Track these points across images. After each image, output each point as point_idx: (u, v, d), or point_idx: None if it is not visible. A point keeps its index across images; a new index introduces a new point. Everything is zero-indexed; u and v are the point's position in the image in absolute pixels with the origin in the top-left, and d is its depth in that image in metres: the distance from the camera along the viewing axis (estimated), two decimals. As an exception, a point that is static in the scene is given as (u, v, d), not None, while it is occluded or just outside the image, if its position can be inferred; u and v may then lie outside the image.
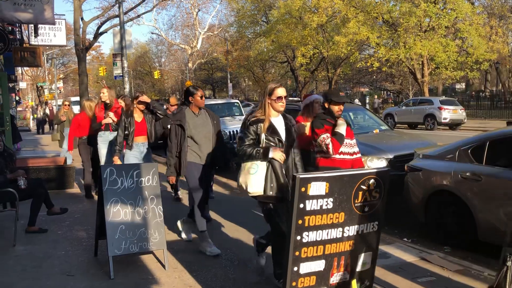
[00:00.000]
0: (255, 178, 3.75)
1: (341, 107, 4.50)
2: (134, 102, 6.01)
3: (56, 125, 11.07)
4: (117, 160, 5.95)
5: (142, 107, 6.03)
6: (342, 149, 4.41)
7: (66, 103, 11.57)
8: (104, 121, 7.12)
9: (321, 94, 5.26)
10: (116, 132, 6.75)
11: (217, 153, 5.04)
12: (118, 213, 4.48)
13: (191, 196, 5.22)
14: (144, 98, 5.99)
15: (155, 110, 6.03)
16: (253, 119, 3.94)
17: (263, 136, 3.85)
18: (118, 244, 4.40)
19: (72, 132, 8.14)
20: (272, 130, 3.89)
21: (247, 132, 3.91)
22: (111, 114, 7.10)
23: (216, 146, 5.02)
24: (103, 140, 7.26)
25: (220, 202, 7.37)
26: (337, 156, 4.41)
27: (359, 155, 4.59)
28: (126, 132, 5.93)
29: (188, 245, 5.28)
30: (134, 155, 6.01)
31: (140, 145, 6.06)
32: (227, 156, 5.15)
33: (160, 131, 6.34)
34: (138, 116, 6.03)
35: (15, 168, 5.96)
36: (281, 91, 3.92)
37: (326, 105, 4.54)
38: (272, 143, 3.85)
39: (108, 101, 7.25)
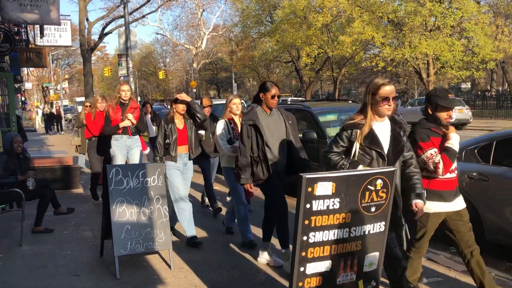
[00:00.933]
0: None
1: (450, 113, 3.54)
2: (174, 106, 5.22)
3: (77, 129, 10.25)
4: None
5: (182, 109, 5.19)
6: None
7: (88, 104, 10.61)
8: (123, 124, 6.32)
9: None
10: (134, 137, 6.46)
11: (295, 158, 4.37)
12: (124, 213, 4.49)
13: (271, 210, 4.53)
14: (183, 96, 5.21)
15: (195, 112, 5.18)
16: (349, 121, 3.22)
17: (356, 146, 3.16)
18: (124, 244, 4.40)
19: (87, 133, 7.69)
20: (371, 139, 3.14)
21: (338, 137, 3.25)
22: (130, 116, 6.29)
23: (293, 150, 4.37)
24: (119, 145, 6.45)
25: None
26: (447, 175, 3.54)
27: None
28: (167, 141, 5.14)
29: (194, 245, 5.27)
30: (177, 167, 5.20)
31: (183, 156, 5.24)
32: (307, 163, 4.42)
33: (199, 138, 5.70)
34: (179, 122, 5.23)
35: (27, 168, 6.02)
36: (389, 90, 3.13)
37: (430, 111, 3.57)
38: (366, 157, 3.15)
39: (126, 100, 6.37)
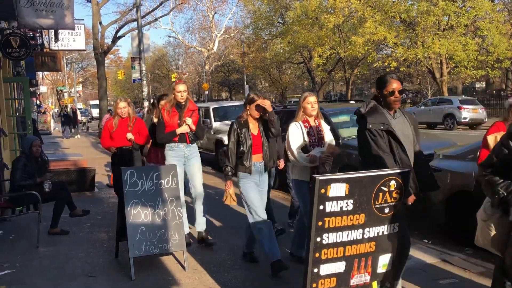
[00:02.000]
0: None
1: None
2: (248, 108, 4.53)
3: None
4: (230, 188, 4.55)
5: (257, 113, 4.52)
6: None
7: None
8: (180, 130, 5.23)
9: None
10: (192, 145, 5.35)
11: (423, 173, 3.48)
12: (139, 214, 4.54)
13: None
14: (266, 103, 4.44)
15: (271, 126, 4.49)
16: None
17: None
18: (139, 245, 4.45)
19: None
20: None
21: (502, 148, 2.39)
22: (189, 120, 5.23)
23: (419, 161, 3.54)
24: (176, 155, 5.30)
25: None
26: None
27: None
28: (241, 149, 4.45)
29: (207, 246, 5.30)
30: (253, 179, 4.53)
31: (258, 165, 4.56)
32: (435, 182, 3.59)
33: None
34: (253, 127, 4.55)
35: (46, 171, 6.14)
36: None
37: None
38: None
39: (183, 102, 5.29)
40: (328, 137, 4.42)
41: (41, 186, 5.74)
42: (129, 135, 6.32)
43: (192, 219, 5.56)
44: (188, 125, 5.22)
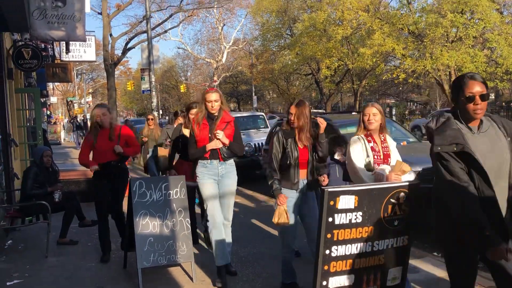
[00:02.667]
0: None
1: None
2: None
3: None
4: (284, 203, 3.93)
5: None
6: None
7: (151, 117, 9.48)
8: (211, 146, 4.49)
9: None
10: (226, 163, 4.59)
11: None
12: (147, 225, 4.55)
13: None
14: (323, 123, 4.08)
15: (319, 146, 4.09)
16: None
17: None
18: (147, 256, 4.46)
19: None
20: None
21: None
22: (220, 134, 4.48)
23: None
24: (210, 173, 4.57)
25: (246, 214, 7.38)
26: None
27: None
28: (288, 162, 3.96)
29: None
30: (299, 198, 4.07)
31: (302, 182, 4.08)
32: None
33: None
34: (300, 140, 4.07)
35: (56, 181, 6.20)
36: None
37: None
38: None
39: (215, 113, 4.55)
40: (395, 155, 3.89)
41: (51, 196, 5.80)
42: (118, 148, 5.22)
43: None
44: (219, 139, 4.47)
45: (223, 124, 4.56)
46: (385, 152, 3.80)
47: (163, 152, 7.78)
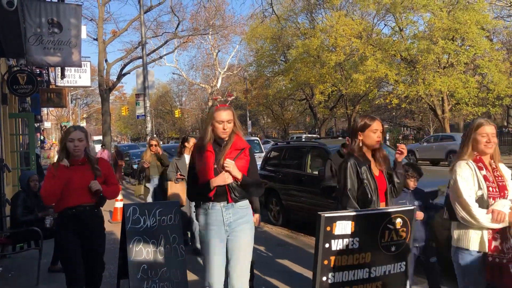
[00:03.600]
0: None
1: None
2: (360, 137, 3.32)
3: (141, 174, 8.57)
4: None
5: (377, 142, 3.32)
6: None
7: (154, 142, 8.30)
8: (218, 182, 3.28)
9: None
10: (237, 204, 3.37)
11: None
12: (141, 252, 4.47)
13: None
14: (404, 150, 3.41)
15: (397, 171, 3.45)
16: None
17: None
18: (140, 284, 4.36)
19: None
20: None
21: None
22: (230, 164, 3.31)
23: None
24: (213, 223, 3.39)
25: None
26: None
27: None
28: (369, 197, 3.17)
29: (209, 285, 5.19)
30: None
31: None
32: None
33: None
34: (374, 166, 3.33)
35: (45, 207, 6.12)
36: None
37: None
38: None
39: (225, 137, 3.39)
40: None
41: (42, 222, 5.71)
42: (95, 185, 3.82)
43: None
44: (229, 171, 3.27)
45: (235, 152, 3.37)
46: (500, 183, 3.01)
47: (175, 189, 6.51)
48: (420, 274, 4.86)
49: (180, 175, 6.45)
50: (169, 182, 6.65)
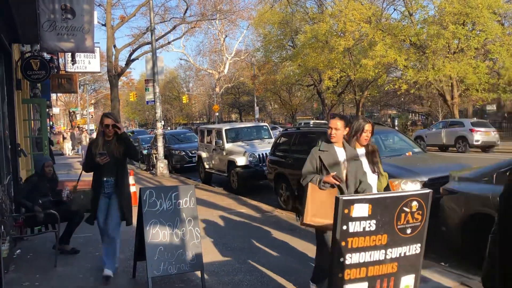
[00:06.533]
0: None
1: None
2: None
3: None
4: None
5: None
6: None
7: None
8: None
9: None
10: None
11: None
12: (157, 234, 4.57)
13: None
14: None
15: None
16: None
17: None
18: (157, 265, 4.48)
19: None
20: None
21: None
22: None
23: None
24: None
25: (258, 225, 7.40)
26: None
27: None
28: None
29: (223, 267, 5.31)
30: None
31: None
32: None
33: None
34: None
35: (58, 191, 6.25)
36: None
37: None
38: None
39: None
40: None
41: (57, 204, 5.86)
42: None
43: None
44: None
45: None
46: None
47: (319, 197, 3.93)
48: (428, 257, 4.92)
49: (335, 177, 3.84)
50: (310, 185, 3.96)
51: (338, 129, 4.01)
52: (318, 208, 3.78)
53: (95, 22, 17.22)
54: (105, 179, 5.04)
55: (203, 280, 4.59)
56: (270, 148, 10.44)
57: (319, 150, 4.04)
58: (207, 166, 13.65)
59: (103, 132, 4.99)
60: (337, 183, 3.78)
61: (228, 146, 12.45)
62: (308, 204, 3.82)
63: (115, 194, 5.04)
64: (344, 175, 3.96)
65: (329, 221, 3.13)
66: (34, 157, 9.29)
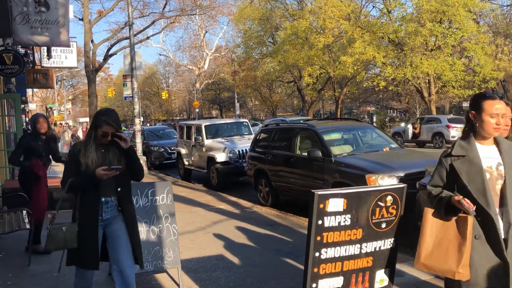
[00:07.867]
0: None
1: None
2: None
3: None
4: None
5: None
6: None
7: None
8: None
9: None
10: None
11: None
12: (133, 231, 4.51)
13: None
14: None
15: None
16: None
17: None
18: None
19: None
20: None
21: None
22: None
23: None
24: None
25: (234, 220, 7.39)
26: None
27: None
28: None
29: (201, 264, 5.28)
30: None
31: None
32: None
33: None
34: None
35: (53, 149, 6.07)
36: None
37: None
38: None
39: None
40: None
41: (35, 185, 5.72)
42: None
43: None
44: None
45: None
46: None
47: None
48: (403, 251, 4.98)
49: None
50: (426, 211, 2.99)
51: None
52: (435, 246, 2.58)
53: (72, 16, 16.92)
54: (103, 199, 3.47)
55: (180, 277, 4.56)
56: (250, 144, 10.43)
57: (450, 155, 2.67)
58: (186, 163, 13.57)
59: (95, 135, 3.42)
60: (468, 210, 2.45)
61: (207, 142, 12.40)
62: (422, 239, 2.63)
63: (118, 222, 3.55)
64: (497, 189, 2.55)
65: (449, 268, 2.39)
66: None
